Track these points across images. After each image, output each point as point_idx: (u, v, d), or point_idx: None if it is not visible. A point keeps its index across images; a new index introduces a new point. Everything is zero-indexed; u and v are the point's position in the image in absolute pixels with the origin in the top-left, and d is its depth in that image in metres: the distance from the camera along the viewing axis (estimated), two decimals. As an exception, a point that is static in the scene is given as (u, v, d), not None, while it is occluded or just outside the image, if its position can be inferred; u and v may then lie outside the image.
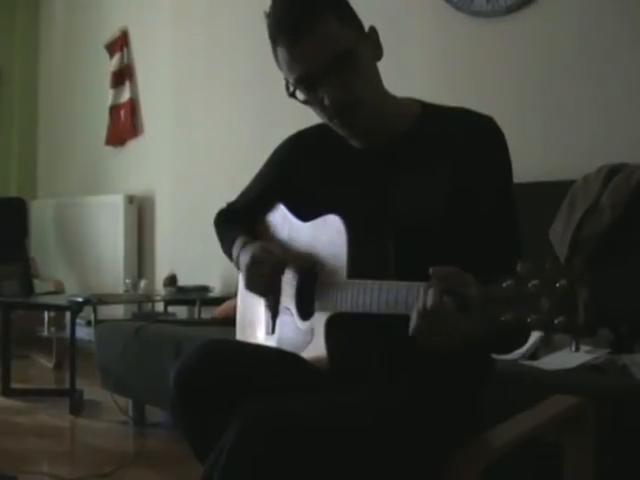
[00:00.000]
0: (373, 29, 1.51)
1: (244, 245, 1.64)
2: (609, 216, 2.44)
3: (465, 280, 1.19)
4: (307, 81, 1.45)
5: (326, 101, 1.45)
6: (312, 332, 1.51)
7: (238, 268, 1.66)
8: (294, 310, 1.60)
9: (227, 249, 1.74)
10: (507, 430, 1.50)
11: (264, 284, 1.60)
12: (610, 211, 2.44)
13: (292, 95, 1.49)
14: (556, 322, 1.08)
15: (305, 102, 1.50)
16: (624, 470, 1.83)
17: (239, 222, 1.77)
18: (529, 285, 1.10)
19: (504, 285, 1.13)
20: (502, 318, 1.12)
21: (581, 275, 1.07)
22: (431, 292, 1.20)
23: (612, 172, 2.53)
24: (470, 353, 1.33)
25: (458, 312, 1.18)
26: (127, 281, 4.74)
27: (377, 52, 1.51)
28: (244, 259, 1.60)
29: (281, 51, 1.45)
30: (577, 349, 2.20)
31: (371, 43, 1.49)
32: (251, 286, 1.62)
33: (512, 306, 1.12)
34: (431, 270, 1.21)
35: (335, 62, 1.41)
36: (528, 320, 1.10)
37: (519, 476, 1.92)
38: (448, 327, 1.19)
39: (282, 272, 1.62)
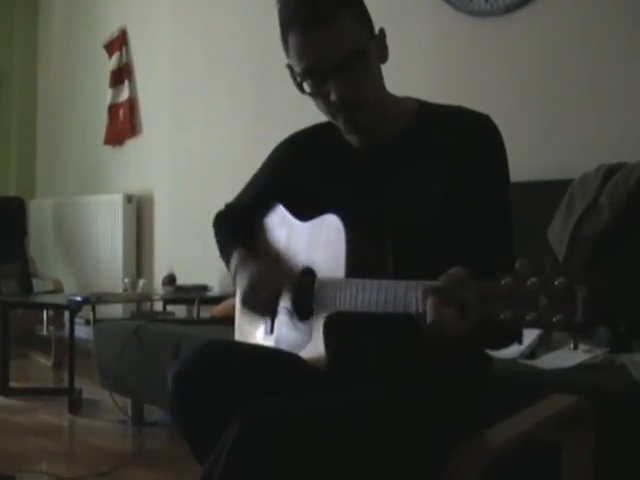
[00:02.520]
0: (382, 31, 1.50)
1: (241, 262, 1.63)
2: (607, 215, 2.44)
3: (463, 284, 1.19)
4: (316, 73, 1.44)
5: (332, 96, 1.44)
6: (311, 332, 1.51)
7: (234, 284, 1.65)
8: (292, 310, 1.60)
9: (225, 258, 1.73)
10: (506, 429, 1.50)
11: (262, 309, 1.61)
12: (608, 210, 2.44)
13: (299, 85, 1.48)
14: (555, 320, 1.08)
15: (310, 94, 1.49)
16: (623, 469, 1.83)
17: (238, 226, 1.77)
18: (528, 283, 1.10)
19: (503, 283, 1.13)
20: (501, 316, 1.12)
21: (580, 273, 1.07)
22: (429, 304, 1.21)
23: (610, 171, 2.53)
24: (469, 351, 1.33)
25: (457, 313, 1.18)
26: (126, 280, 4.73)
27: (384, 54, 1.51)
28: (241, 281, 1.60)
29: (293, 38, 1.44)
30: (576, 347, 2.20)
31: (379, 45, 1.49)
32: (249, 309, 1.62)
33: (511, 304, 1.12)
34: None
35: (348, 59, 1.41)
36: (527, 318, 1.10)
37: (518, 475, 1.93)
38: (448, 328, 1.19)
39: (279, 296, 1.61)
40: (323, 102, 1.48)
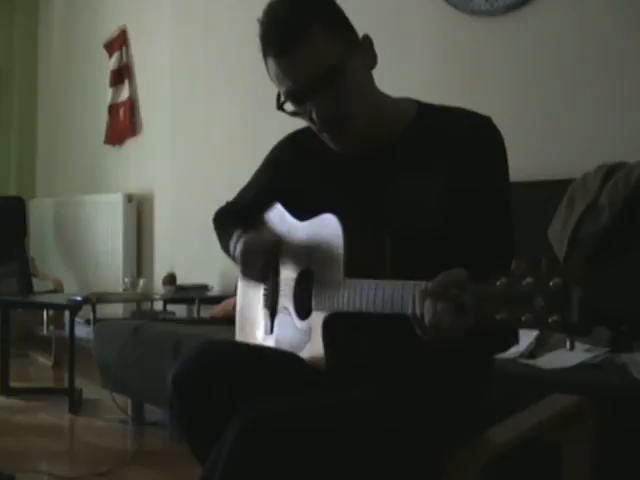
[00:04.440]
0: (367, 37, 1.49)
1: (240, 236, 1.64)
2: (608, 215, 2.43)
3: (459, 284, 1.18)
4: (295, 95, 1.45)
5: (313, 115, 1.45)
6: (310, 332, 1.51)
7: (235, 261, 1.65)
8: (292, 309, 1.60)
9: (225, 245, 1.74)
10: (506, 429, 1.50)
11: (259, 269, 1.60)
12: (609, 210, 2.44)
13: (280, 108, 1.49)
14: (550, 321, 1.07)
15: (294, 114, 1.50)
16: (623, 469, 1.83)
17: (237, 221, 1.77)
18: (523, 283, 1.10)
19: (498, 283, 1.13)
20: (497, 317, 1.12)
21: (575, 273, 1.07)
22: (427, 306, 1.20)
23: (611, 171, 2.53)
24: (466, 354, 1.33)
25: (454, 315, 1.17)
26: (126, 280, 4.73)
27: (371, 61, 1.49)
28: (239, 247, 1.61)
29: (270, 63, 1.45)
30: (572, 347, 2.20)
31: (364, 52, 1.48)
32: (247, 272, 1.62)
33: (506, 304, 1.11)
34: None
35: (322, 79, 1.41)
36: (522, 319, 1.10)
37: (519, 475, 1.92)
38: (445, 329, 1.19)
39: (277, 254, 1.61)
40: (309, 122, 1.50)
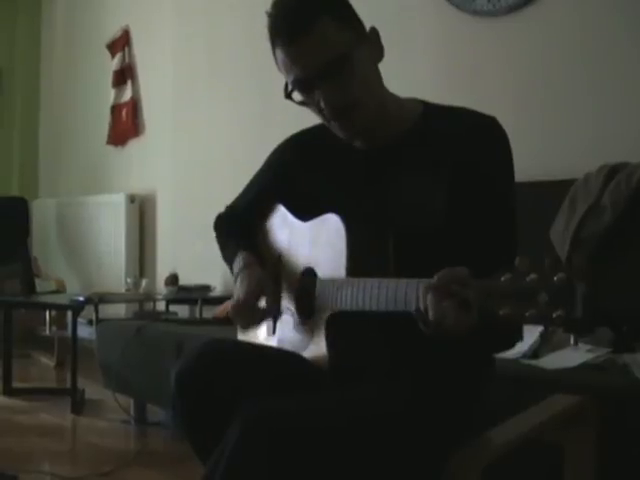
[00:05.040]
0: (374, 30, 1.50)
1: (243, 267, 1.62)
2: (610, 215, 2.43)
3: (463, 280, 1.19)
4: (303, 83, 1.46)
5: (322, 104, 1.46)
6: (313, 331, 1.51)
7: (235, 283, 1.65)
8: (294, 310, 1.60)
9: (227, 260, 1.73)
10: (508, 429, 1.50)
11: (249, 325, 1.64)
12: (611, 210, 2.44)
13: (288, 96, 1.49)
14: (554, 316, 1.08)
15: (302, 104, 1.51)
16: (625, 469, 1.83)
17: (239, 228, 1.77)
18: (527, 279, 1.10)
19: (502, 279, 1.13)
20: (501, 312, 1.12)
21: (579, 269, 1.08)
22: (430, 300, 1.21)
23: (613, 171, 2.53)
24: (471, 351, 1.33)
25: (458, 310, 1.18)
26: (128, 280, 4.73)
27: (377, 53, 1.50)
28: (239, 283, 1.59)
29: (279, 53, 1.46)
30: (576, 343, 2.21)
31: (371, 44, 1.49)
32: (237, 321, 1.62)
33: (510, 300, 1.12)
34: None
35: (330, 66, 1.41)
36: (526, 314, 1.10)
37: (520, 475, 1.92)
38: (449, 325, 1.19)
39: (276, 298, 1.62)
40: (317, 111, 1.49)
